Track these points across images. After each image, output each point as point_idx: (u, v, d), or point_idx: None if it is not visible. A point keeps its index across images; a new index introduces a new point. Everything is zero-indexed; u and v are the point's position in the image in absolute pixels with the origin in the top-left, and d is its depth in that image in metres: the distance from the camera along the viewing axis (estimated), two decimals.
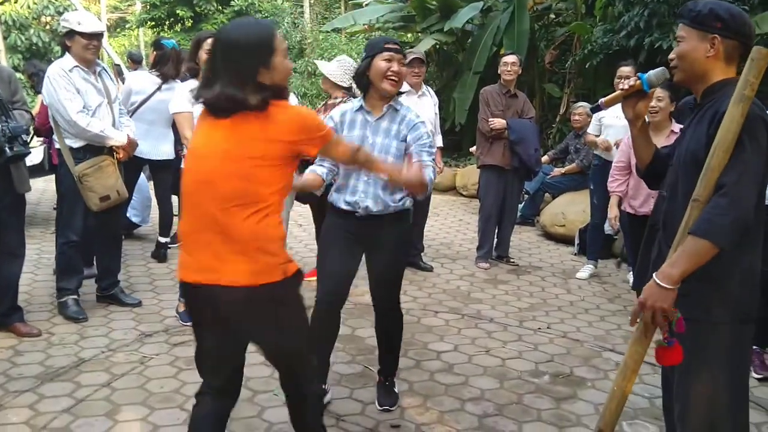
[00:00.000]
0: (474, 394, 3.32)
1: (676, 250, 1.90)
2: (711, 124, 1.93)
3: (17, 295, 3.90)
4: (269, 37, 2.05)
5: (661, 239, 2.11)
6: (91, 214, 4.09)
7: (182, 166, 2.44)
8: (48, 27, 17.60)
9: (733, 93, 1.87)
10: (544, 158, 7.19)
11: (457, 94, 9.01)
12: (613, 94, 2.22)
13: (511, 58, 5.54)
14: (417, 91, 5.25)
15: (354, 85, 4.67)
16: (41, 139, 5.75)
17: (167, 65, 5.17)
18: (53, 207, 5.36)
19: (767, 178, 1.91)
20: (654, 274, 1.91)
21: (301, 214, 5.66)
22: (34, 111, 5.23)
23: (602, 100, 2.24)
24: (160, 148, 5.17)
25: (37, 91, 6.11)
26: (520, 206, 6.76)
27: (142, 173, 5.52)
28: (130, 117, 4.67)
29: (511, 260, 5.80)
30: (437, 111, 5.55)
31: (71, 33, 3.93)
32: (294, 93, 6.06)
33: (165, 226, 5.49)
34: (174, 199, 5.43)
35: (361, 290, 3.97)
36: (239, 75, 1.99)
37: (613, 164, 4.73)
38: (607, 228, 5.60)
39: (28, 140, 3.67)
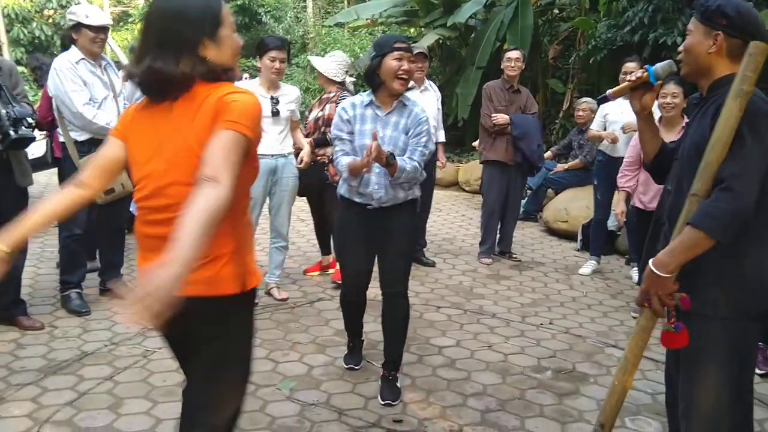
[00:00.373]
0: (476, 390, 3.32)
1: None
2: (714, 117, 1.93)
3: (20, 288, 3.91)
4: (217, 5, 1.76)
5: (666, 233, 2.11)
6: (95, 208, 4.09)
7: None
8: (51, 20, 17.59)
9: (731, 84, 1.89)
10: (547, 154, 7.18)
11: (460, 89, 8.99)
12: (621, 86, 2.23)
13: (514, 54, 5.52)
14: (420, 86, 5.24)
15: (347, 80, 4.73)
16: (44, 132, 5.74)
17: None
18: None
19: None
20: (650, 261, 1.94)
21: (303, 208, 5.65)
22: (36, 105, 5.22)
23: (609, 91, 2.25)
24: None
25: (40, 85, 6.10)
26: (523, 202, 6.75)
27: None
28: None
29: (514, 256, 5.80)
30: (440, 106, 5.54)
31: (78, 26, 3.93)
32: (298, 87, 6.04)
33: None
34: None
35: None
36: (177, 47, 1.69)
37: (624, 160, 4.76)
38: (611, 224, 5.60)
39: (33, 124, 3.64)
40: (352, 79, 5.01)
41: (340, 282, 3.74)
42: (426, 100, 5.19)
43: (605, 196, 5.30)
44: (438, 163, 5.58)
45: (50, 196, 1.86)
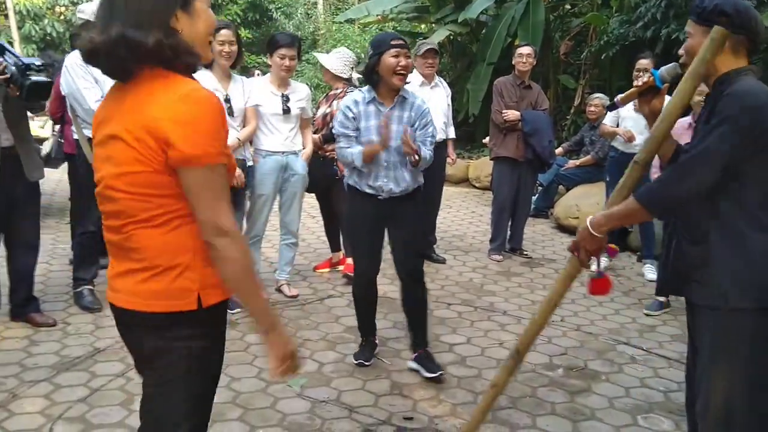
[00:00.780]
0: (487, 387, 3.31)
1: (615, 205, 2.07)
2: (710, 115, 1.95)
3: (33, 285, 3.93)
4: None
5: (678, 228, 2.10)
6: None
7: None
8: (62, 17, 17.65)
9: (734, 79, 1.94)
10: (558, 150, 7.15)
11: (471, 85, 8.96)
12: (628, 92, 2.25)
13: (526, 50, 5.49)
14: (430, 82, 5.22)
15: (353, 76, 4.74)
16: (57, 127, 5.77)
17: None
18: (68, 198, 5.40)
19: (742, 162, 1.89)
20: (587, 219, 2.10)
21: (313, 205, 5.65)
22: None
23: (618, 98, 2.26)
24: None
25: (51, 82, 6.11)
26: (534, 198, 6.72)
27: None
28: None
29: (525, 252, 5.78)
30: (450, 102, 5.52)
31: (88, 24, 3.94)
32: (307, 84, 6.04)
33: None
34: None
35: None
36: (148, 17, 1.50)
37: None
38: None
39: (41, 67, 3.55)
40: (359, 75, 5.01)
41: (351, 274, 3.76)
42: (436, 97, 5.18)
43: None
44: (448, 160, 5.56)
45: None
